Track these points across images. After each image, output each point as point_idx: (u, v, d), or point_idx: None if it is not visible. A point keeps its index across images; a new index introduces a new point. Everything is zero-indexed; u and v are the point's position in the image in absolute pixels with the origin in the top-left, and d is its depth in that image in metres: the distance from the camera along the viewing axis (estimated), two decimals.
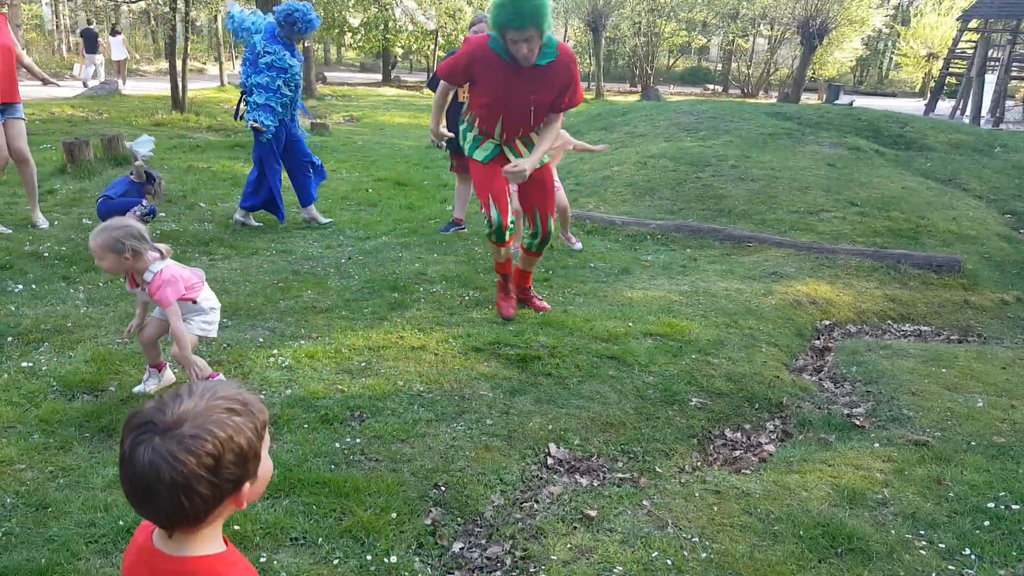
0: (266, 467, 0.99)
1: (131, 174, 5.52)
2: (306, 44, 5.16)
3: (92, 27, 18.66)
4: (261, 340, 3.45)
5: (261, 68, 5.18)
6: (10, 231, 5.10)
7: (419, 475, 2.44)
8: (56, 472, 2.33)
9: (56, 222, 5.42)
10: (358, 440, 2.61)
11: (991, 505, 2.47)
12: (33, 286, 4.06)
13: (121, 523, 2.10)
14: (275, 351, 3.30)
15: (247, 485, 0.95)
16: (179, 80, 13.06)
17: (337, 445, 2.56)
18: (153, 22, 22.41)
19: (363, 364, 3.23)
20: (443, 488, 2.41)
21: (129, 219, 2.69)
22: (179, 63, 13.17)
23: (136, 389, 2.86)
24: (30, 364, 3.05)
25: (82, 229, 5.26)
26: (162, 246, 2.68)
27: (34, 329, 3.40)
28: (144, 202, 5.36)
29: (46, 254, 4.61)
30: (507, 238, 3.80)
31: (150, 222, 5.24)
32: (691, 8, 29.25)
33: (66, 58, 22.61)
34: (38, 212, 5.35)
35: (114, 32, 18.48)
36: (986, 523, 2.38)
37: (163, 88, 14.16)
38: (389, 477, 2.41)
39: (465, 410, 2.90)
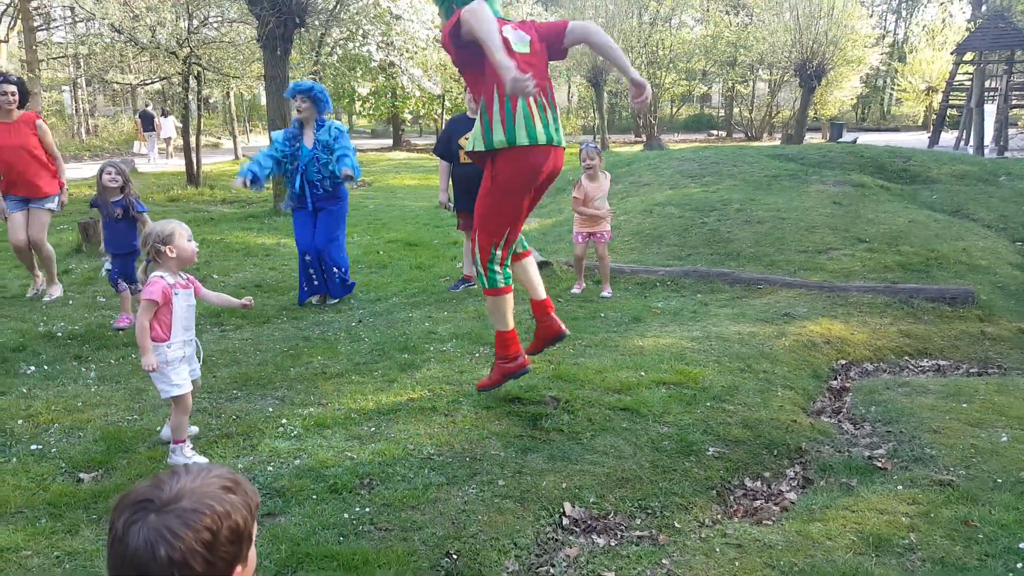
0: (253, 555, 0.99)
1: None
2: (321, 121, 5.33)
3: (149, 109, 20.66)
4: (271, 410, 3.45)
5: None
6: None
7: (430, 543, 2.39)
8: (63, 557, 2.30)
9: (71, 301, 5.52)
10: (367, 509, 2.56)
11: (1023, 546, 2.36)
12: (45, 367, 4.11)
13: None
14: (284, 420, 3.29)
15: (239, 568, 0.94)
16: (193, 156, 13.48)
17: (346, 515, 2.52)
18: (167, 101, 23.55)
19: (373, 429, 3.21)
20: (455, 556, 2.35)
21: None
22: (193, 139, 13.64)
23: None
24: (39, 447, 3.06)
25: (96, 308, 5.35)
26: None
27: (44, 411, 3.42)
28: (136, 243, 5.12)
29: (59, 334, 4.68)
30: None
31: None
32: (689, 58, 29.85)
33: (85, 140, 23.68)
34: (53, 284, 5.73)
35: (164, 113, 20.64)
36: (1019, 565, 2.28)
37: (181, 164, 14.63)
38: (399, 547, 2.36)
39: (477, 471, 2.85)
